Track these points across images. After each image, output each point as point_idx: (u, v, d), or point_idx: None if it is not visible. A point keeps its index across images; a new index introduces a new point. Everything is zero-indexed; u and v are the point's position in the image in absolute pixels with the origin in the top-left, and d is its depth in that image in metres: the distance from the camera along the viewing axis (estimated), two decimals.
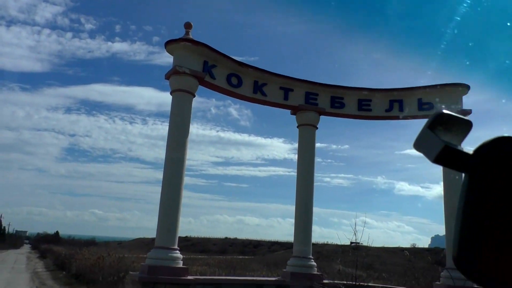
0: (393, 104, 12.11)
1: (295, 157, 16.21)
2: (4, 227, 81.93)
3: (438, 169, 12.04)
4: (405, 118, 12.48)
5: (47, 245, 48.71)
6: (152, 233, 13.99)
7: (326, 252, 33.90)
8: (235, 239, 72.92)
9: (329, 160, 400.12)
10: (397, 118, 12.52)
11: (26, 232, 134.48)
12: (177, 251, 9.64)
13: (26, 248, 76.47)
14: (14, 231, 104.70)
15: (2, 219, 77.19)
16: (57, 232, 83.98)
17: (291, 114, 12.26)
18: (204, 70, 10.30)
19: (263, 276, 14.64)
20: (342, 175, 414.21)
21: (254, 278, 13.20)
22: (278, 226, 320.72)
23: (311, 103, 11.99)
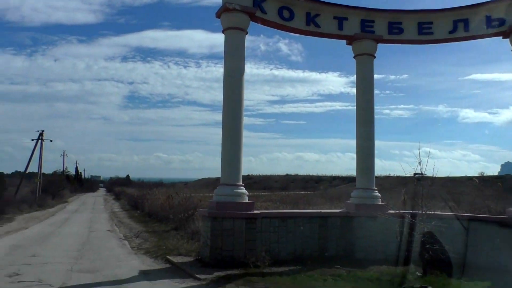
0: (457, 24, 11.39)
1: (351, 90, 15.56)
2: (80, 173, 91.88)
3: (509, 93, 10.92)
4: (471, 38, 11.69)
5: (120, 188, 54.18)
6: (215, 173, 14.72)
7: (389, 184, 33.60)
8: (296, 175, 74.77)
9: (387, 92, 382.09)
10: (462, 39, 11.83)
11: (99, 176, 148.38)
12: (242, 187, 10.12)
13: (101, 191, 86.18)
14: (90, 176, 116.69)
15: (77, 165, 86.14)
16: (127, 176, 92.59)
17: (347, 44, 11.93)
18: (254, 5, 9.99)
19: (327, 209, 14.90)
20: (402, 106, 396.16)
21: (319, 210, 13.52)
22: (338, 161, 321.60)
23: (367, 31, 11.62)
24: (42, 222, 21.22)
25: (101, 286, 7.97)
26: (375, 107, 11.82)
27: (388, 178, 44.09)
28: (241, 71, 10.13)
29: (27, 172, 41.30)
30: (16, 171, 67.82)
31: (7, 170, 70.81)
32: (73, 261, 10.33)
